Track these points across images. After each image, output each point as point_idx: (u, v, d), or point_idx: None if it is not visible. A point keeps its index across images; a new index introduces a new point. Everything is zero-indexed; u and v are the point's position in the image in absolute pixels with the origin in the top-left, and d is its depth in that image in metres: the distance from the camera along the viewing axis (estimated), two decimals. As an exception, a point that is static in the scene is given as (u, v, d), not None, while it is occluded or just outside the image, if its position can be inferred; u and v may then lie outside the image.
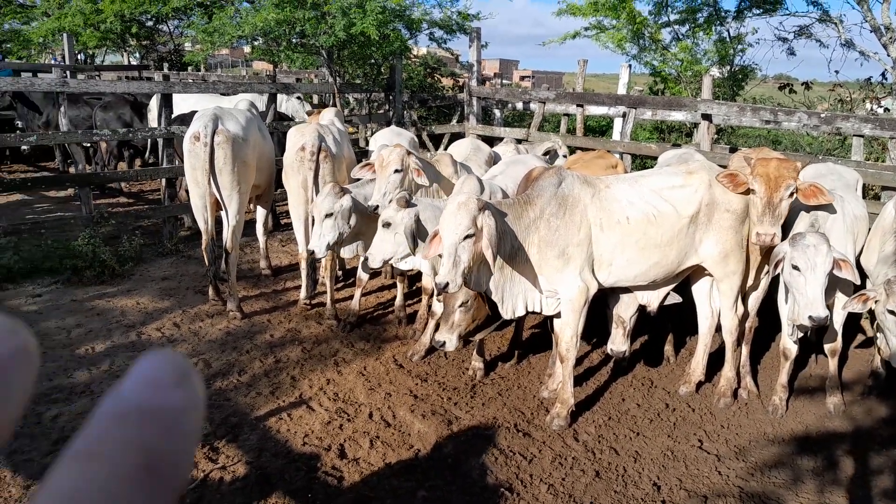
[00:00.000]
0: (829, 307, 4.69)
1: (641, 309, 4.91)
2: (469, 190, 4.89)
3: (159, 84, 7.68)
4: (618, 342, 4.70)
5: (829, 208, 4.56)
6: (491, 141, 9.08)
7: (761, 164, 4.37)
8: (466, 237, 3.84)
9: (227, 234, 5.95)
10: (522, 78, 62.51)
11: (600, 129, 12.80)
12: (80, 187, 7.62)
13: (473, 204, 3.87)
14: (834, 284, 4.40)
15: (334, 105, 9.25)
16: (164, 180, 7.93)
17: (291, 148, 5.75)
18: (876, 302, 4.16)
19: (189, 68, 17.54)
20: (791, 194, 4.31)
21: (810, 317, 4.02)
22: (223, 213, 5.94)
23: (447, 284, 3.83)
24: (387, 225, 4.65)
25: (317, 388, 4.89)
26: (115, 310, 6.08)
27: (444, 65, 14.16)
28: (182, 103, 9.23)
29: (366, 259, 4.86)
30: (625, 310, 4.70)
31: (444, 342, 4.37)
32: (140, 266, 7.28)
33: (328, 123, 6.39)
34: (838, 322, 4.75)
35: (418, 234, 4.68)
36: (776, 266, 4.26)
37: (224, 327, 5.85)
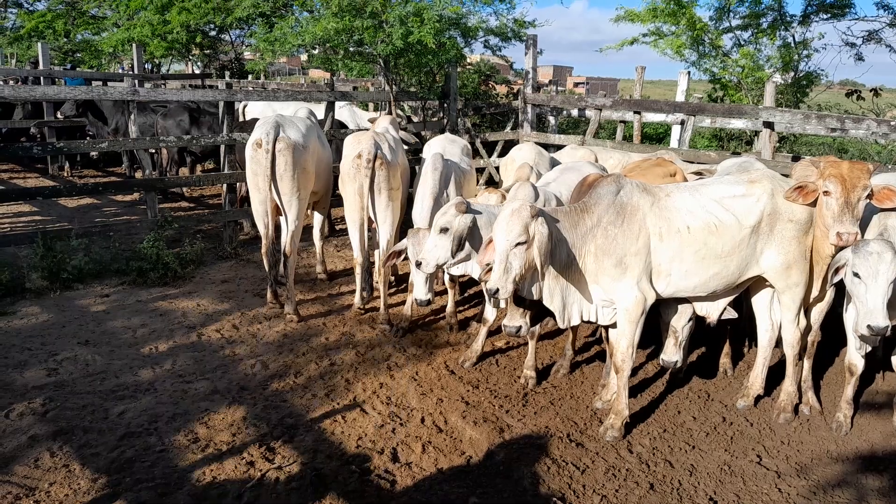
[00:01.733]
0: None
1: (698, 319, 4.82)
2: (523, 196, 4.90)
3: (222, 92, 7.93)
4: (670, 352, 4.62)
5: (899, 218, 4.38)
6: (546, 148, 9.05)
7: (832, 165, 4.24)
8: (518, 244, 3.85)
9: (286, 239, 6.10)
10: (576, 84, 61.95)
11: (658, 136, 12.60)
12: (146, 192, 7.92)
13: (526, 211, 3.87)
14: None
15: (390, 113, 9.38)
16: (224, 185, 8.17)
17: (348, 155, 5.85)
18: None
19: (249, 76, 18.03)
20: (868, 195, 4.17)
21: (869, 326, 3.89)
22: (282, 218, 6.09)
23: (497, 290, 3.84)
24: (444, 230, 4.67)
25: (370, 391, 4.95)
26: (177, 311, 6.29)
27: (498, 72, 14.18)
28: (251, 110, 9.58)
29: (418, 263, 4.89)
30: (677, 319, 4.62)
31: (520, 326, 4.30)
32: (201, 269, 7.51)
33: (383, 131, 6.48)
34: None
35: (472, 240, 4.68)
36: (836, 273, 4.12)
37: (281, 330, 5.98)
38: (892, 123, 6.49)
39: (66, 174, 12.90)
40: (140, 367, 5.14)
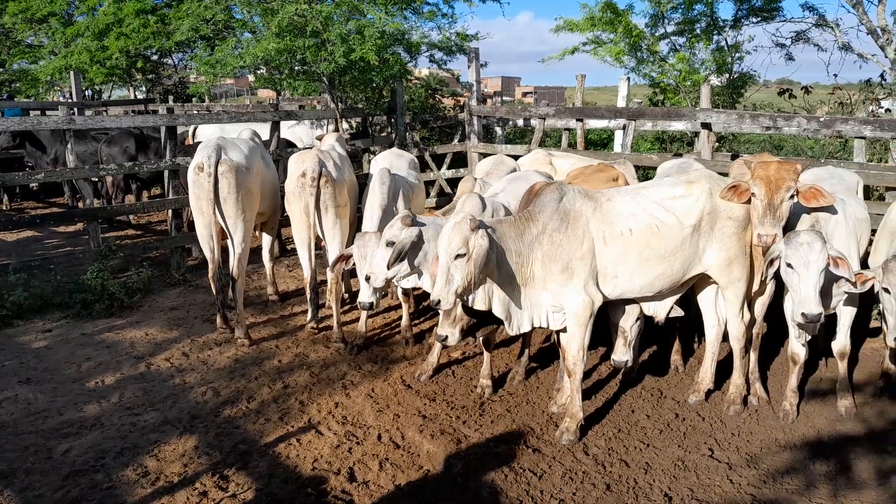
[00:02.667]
0: (832, 307, 4.69)
1: (647, 319, 4.90)
2: (469, 209, 4.92)
3: (163, 117, 7.79)
4: (620, 352, 4.69)
5: (830, 210, 4.55)
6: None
7: (761, 166, 4.38)
8: (458, 256, 3.88)
9: (233, 262, 6.00)
10: (525, 94, 62.79)
11: (602, 141, 12.84)
12: (88, 222, 7.72)
13: (466, 225, 3.91)
14: (832, 283, 4.39)
15: (336, 130, 9.35)
16: (170, 211, 8.01)
17: (293, 174, 5.81)
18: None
19: (193, 99, 17.76)
20: (792, 196, 4.32)
21: (803, 314, 4.02)
22: (229, 242, 6.00)
23: (439, 301, 3.88)
24: (390, 244, 4.67)
25: (325, 412, 4.89)
26: (124, 342, 6.13)
27: (447, 85, 14.25)
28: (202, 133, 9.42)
29: (367, 277, 4.88)
30: (625, 320, 4.70)
31: (447, 336, 4.38)
32: (149, 297, 7.34)
33: (329, 149, 6.45)
34: (845, 323, 4.72)
35: (414, 253, 4.67)
36: (770, 265, 4.25)
37: (232, 355, 5.88)
38: (822, 119, 6.74)
39: (3, 207, 12.50)
40: (85, 402, 4.98)
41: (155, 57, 18.43)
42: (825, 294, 4.31)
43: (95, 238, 7.49)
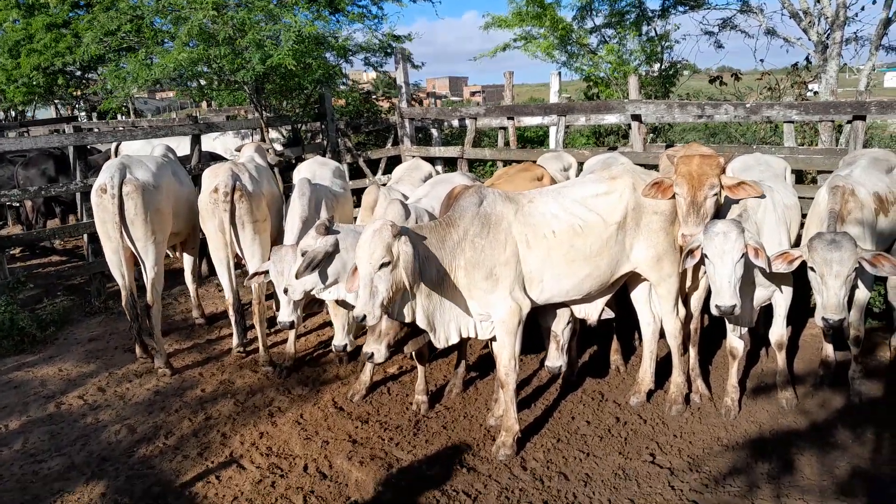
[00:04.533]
0: (768, 297, 4.59)
1: (580, 322, 4.73)
2: (391, 215, 4.67)
3: (70, 136, 7.32)
4: (553, 358, 4.49)
5: (758, 198, 4.43)
6: (432, 162, 8.88)
7: (683, 162, 4.23)
8: (382, 266, 3.63)
9: (147, 287, 5.62)
10: (473, 93, 62.83)
11: (538, 138, 12.72)
12: (-7, 252, 7.19)
13: (387, 231, 3.66)
14: (753, 273, 4.28)
15: (263, 140, 8.98)
16: (85, 236, 7.54)
17: (205, 190, 5.47)
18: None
19: (119, 115, 17.06)
20: (715, 193, 4.18)
21: (717, 305, 3.88)
22: (141, 266, 5.61)
23: (365, 316, 3.61)
24: (304, 255, 4.40)
25: (249, 443, 4.58)
26: (34, 380, 5.69)
27: (393, 88, 13.93)
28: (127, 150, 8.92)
29: (285, 290, 4.58)
30: (556, 324, 4.50)
31: (373, 353, 4.16)
32: (65, 329, 6.88)
33: (247, 160, 6.12)
34: (781, 313, 4.62)
35: (328, 264, 4.41)
36: (690, 255, 4.10)
37: (153, 386, 5.51)
38: (748, 106, 6.69)
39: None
40: (-17, 452, 4.56)
41: (79, 73, 17.67)
42: (760, 284, 4.19)
43: (2, 269, 6.99)
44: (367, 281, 3.65)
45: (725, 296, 3.85)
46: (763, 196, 4.36)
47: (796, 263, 4.08)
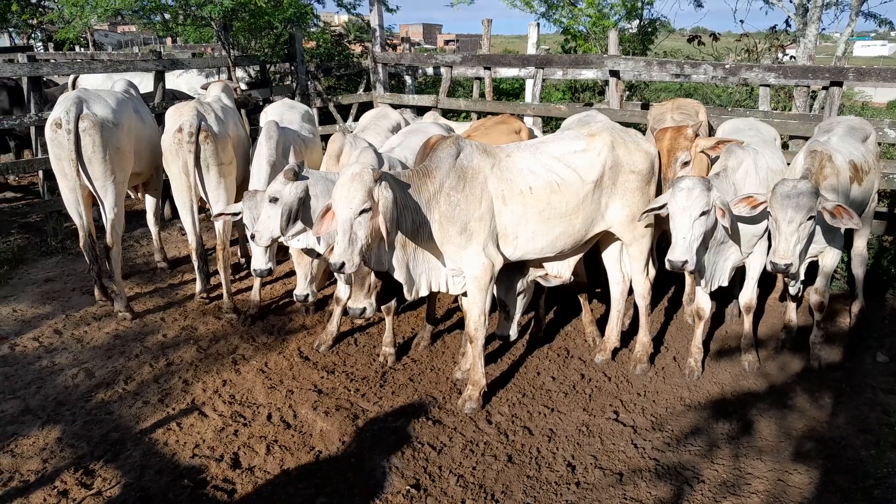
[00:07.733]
0: (742, 259, 4.61)
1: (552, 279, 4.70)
2: (365, 162, 4.53)
3: (24, 66, 6.94)
4: (502, 327, 4.49)
5: (739, 159, 4.38)
6: (403, 110, 8.67)
7: (658, 137, 4.19)
8: (362, 212, 3.51)
9: (106, 228, 5.41)
10: (447, 42, 61.66)
11: (514, 91, 12.52)
12: (-58, 186, 6.87)
13: (368, 175, 3.53)
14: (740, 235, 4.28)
15: (230, 79, 8.65)
16: (41, 172, 7.23)
17: (169, 130, 5.24)
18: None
19: (77, 47, 16.27)
20: (686, 162, 4.15)
21: (668, 260, 3.88)
22: (100, 206, 5.40)
23: (343, 264, 3.50)
24: (274, 200, 4.26)
25: (211, 391, 4.50)
26: (-14, 320, 5.50)
27: (365, 32, 13.48)
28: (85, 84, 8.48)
29: (252, 236, 4.45)
30: (508, 296, 4.46)
31: (364, 308, 4.01)
32: (19, 268, 6.65)
33: (213, 100, 5.87)
34: (753, 276, 4.65)
35: (304, 210, 4.29)
36: (649, 212, 4.10)
37: (112, 330, 5.36)
38: (727, 67, 6.63)
39: None
40: (-68, 393, 4.41)
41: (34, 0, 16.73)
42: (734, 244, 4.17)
43: (-48, 204, 6.67)
44: (346, 227, 3.52)
45: (677, 251, 3.85)
46: (746, 158, 4.33)
47: (760, 209, 4.06)
